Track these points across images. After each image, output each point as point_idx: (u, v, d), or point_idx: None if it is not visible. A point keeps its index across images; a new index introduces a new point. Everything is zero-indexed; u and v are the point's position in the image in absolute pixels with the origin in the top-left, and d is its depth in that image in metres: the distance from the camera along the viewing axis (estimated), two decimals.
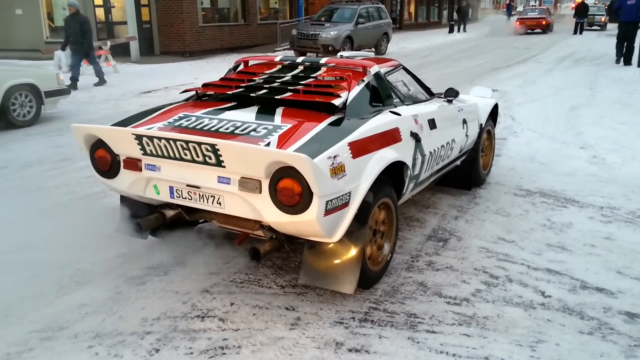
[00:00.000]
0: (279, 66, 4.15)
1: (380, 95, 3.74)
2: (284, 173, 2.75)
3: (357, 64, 3.91)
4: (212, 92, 3.91)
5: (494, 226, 4.31)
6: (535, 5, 40.70)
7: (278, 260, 3.72)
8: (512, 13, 40.95)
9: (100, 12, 17.39)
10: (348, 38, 17.55)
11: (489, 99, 5.37)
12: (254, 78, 3.89)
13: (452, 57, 17.21)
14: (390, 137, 3.41)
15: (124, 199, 3.69)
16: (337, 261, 3.10)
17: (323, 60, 4.04)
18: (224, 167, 2.89)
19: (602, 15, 34.98)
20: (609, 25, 34.78)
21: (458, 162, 4.81)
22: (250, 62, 4.37)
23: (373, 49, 18.82)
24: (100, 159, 3.35)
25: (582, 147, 6.40)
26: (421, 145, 3.75)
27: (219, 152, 2.84)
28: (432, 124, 3.99)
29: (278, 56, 4.31)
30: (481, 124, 5.05)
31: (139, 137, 3.08)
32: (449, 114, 4.40)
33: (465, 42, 24.35)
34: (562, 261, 3.72)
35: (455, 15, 32.05)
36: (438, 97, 4.54)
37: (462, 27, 30.09)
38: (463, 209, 4.67)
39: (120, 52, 15.69)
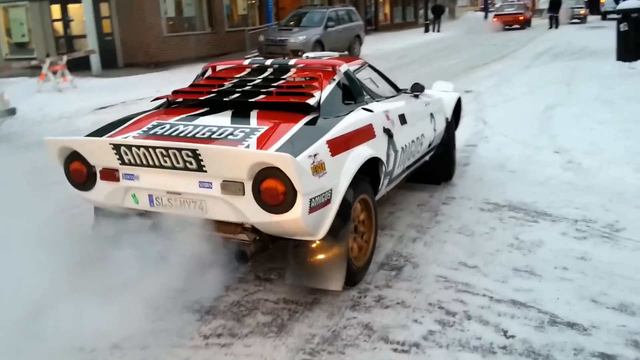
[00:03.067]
0: (248, 70, 4.13)
1: (352, 92, 3.76)
2: (267, 174, 2.77)
3: (326, 64, 3.94)
4: (182, 99, 3.84)
5: (455, 248, 3.83)
6: (512, 1, 40.47)
7: (207, 302, 3.22)
8: (490, 10, 40.54)
9: (58, 26, 16.78)
10: (318, 42, 17.09)
11: (453, 93, 5.42)
12: (224, 83, 3.85)
13: (428, 57, 16.80)
14: (365, 134, 3.44)
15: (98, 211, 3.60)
16: (323, 259, 3.08)
17: (292, 62, 4.08)
18: (205, 171, 2.88)
19: (582, 8, 34.84)
20: (590, 18, 34.73)
21: (427, 158, 4.80)
22: (218, 67, 4.32)
23: (346, 52, 18.37)
24: (75, 172, 3.29)
25: (556, 151, 5.93)
26: (393, 141, 3.78)
27: (200, 157, 2.84)
28: (402, 119, 4.02)
29: (246, 60, 4.30)
30: (447, 118, 5.09)
31: (116, 147, 3.04)
32: (417, 108, 4.42)
33: (441, 41, 24.00)
34: (529, 289, 3.25)
35: (430, 15, 31.66)
36: (404, 92, 4.54)
37: (436, 26, 29.68)
38: (423, 229, 4.19)
39: (82, 66, 15.15)
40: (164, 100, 3.88)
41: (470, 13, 47.37)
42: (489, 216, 4.37)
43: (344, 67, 3.84)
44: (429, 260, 3.67)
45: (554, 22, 28.97)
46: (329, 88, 3.59)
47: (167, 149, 2.90)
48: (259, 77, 3.93)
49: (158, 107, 3.86)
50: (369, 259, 3.51)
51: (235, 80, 3.89)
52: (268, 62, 4.18)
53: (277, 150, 2.86)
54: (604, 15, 34.38)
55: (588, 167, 5.34)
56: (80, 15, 16.21)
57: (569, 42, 19.74)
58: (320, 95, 3.46)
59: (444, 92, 5.33)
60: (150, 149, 2.94)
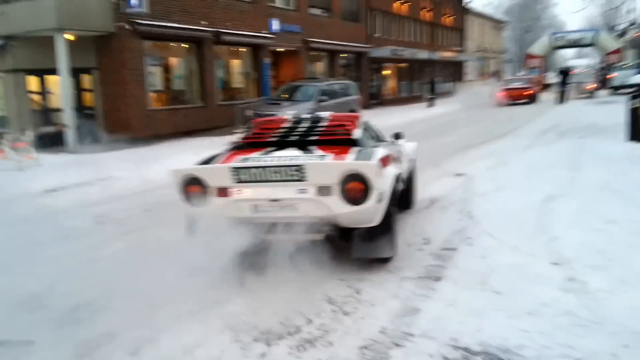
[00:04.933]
0: (291, 122, 5.50)
1: (369, 134, 5.68)
2: (351, 178, 4.26)
3: (348, 116, 5.86)
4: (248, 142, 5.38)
5: None
6: (521, 75, 39.96)
7: None
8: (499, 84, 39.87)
9: (37, 99, 16.01)
10: None
11: (413, 142, 7.38)
12: (276, 130, 5.34)
13: (425, 134, 15.72)
14: (390, 159, 5.07)
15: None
16: (378, 237, 4.52)
17: (323, 115, 5.64)
18: (306, 180, 4.28)
19: (590, 82, 33.95)
20: (599, 92, 33.85)
21: (402, 186, 5.85)
22: (262, 122, 5.77)
23: None
24: (192, 192, 4.50)
25: (555, 262, 4.63)
26: (400, 165, 5.60)
27: (304, 170, 4.26)
28: (399, 153, 5.85)
29: (287, 116, 5.81)
30: (413, 159, 7.02)
31: (235, 170, 4.40)
32: (401, 149, 6.21)
33: (443, 116, 23.17)
34: None
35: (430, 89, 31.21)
36: (390, 139, 6.25)
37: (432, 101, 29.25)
38: None
39: (58, 141, 14.29)
40: (235, 143, 5.51)
41: (479, 87, 46.92)
42: None
43: (362, 119, 5.69)
44: None
45: (562, 97, 28.18)
46: (359, 129, 5.34)
47: (278, 166, 4.28)
48: (302, 125, 5.43)
49: (231, 149, 5.32)
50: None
51: (284, 130, 5.38)
52: (304, 115, 5.77)
53: None
54: (614, 90, 33.54)
55: (595, 289, 4.03)
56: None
57: (576, 118, 18.70)
58: (356, 133, 5.20)
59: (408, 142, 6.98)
60: (262, 169, 4.29)
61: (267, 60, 23.18)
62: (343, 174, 4.25)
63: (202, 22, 19.25)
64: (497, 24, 61.49)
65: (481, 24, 55.92)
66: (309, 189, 4.31)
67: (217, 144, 16.38)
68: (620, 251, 4.71)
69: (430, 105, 29.28)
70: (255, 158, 4.71)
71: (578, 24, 76.48)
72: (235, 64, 22.78)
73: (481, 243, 5.28)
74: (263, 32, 22.45)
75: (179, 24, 18.06)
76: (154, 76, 18.41)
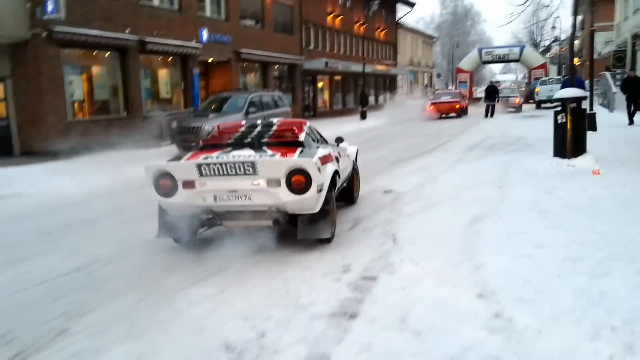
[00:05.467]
0: (245, 127, 6.63)
1: (313, 137, 6.69)
2: (295, 172, 5.18)
3: (295, 121, 6.81)
4: (210, 144, 6.37)
5: None
6: (451, 89, 40.76)
7: None
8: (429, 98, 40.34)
9: None
10: None
11: (354, 146, 8.44)
12: (234, 134, 6.44)
13: None
14: (330, 158, 6.26)
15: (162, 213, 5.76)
16: (319, 222, 5.56)
17: (274, 121, 6.83)
18: (258, 174, 5.17)
19: (516, 96, 34.94)
20: (525, 107, 34.83)
21: (345, 184, 7.27)
22: (224, 126, 6.88)
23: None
24: (163, 185, 5.36)
25: (480, 294, 4.25)
26: (339, 164, 6.62)
27: (256, 166, 5.13)
28: (339, 154, 6.98)
29: (243, 121, 7.43)
30: (354, 160, 8.03)
31: (198, 166, 5.23)
32: (342, 151, 7.35)
33: (375, 129, 23.08)
34: None
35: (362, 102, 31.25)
36: (331, 143, 7.39)
37: (365, 114, 29.28)
38: None
39: None
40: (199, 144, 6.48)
41: (411, 101, 47.45)
42: None
43: (307, 123, 6.81)
44: None
45: (490, 111, 28.72)
46: (304, 133, 6.38)
47: (235, 163, 5.16)
48: (255, 130, 6.46)
49: (195, 149, 6.39)
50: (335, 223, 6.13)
51: (239, 133, 6.41)
52: (258, 121, 6.83)
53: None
54: (538, 105, 34.61)
55: (523, 327, 3.66)
56: None
57: (503, 132, 18.92)
58: (302, 136, 6.27)
59: (350, 146, 8.17)
60: (223, 164, 5.18)
61: (197, 70, 22.48)
62: (288, 169, 5.18)
63: (126, 30, 18.38)
64: (428, 39, 62.82)
65: (413, 39, 56.90)
66: (260, 182, 5.23)
67: (141, 157, 15.56)
68: (549, 281, 4.39)
69: (363, 118, 29.24)
70: (216, 156, 5.56)
71: (505, 40, 79.35)
72: (163, 73, 21.96)
73: (403, 271, 4.87)
74: (192, 41, 21.74)
75: (100, 31, 17.14)
76: (75, 85, 17.42)
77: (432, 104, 30.33)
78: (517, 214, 6.60)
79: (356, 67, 35.82)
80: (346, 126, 24.17)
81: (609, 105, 24.93)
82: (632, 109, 17.71)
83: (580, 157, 9.82)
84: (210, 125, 15.25)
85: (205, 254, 5.73)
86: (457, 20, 76.01)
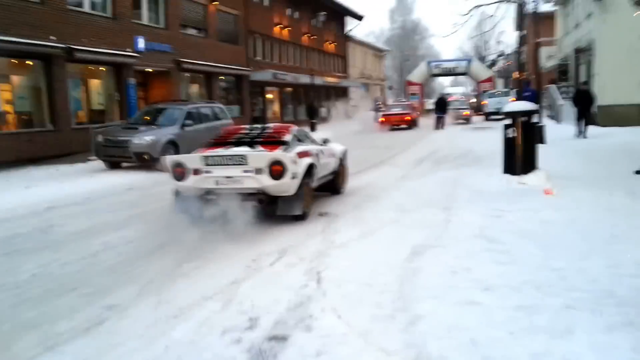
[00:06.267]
0: (247, 129, 8.35)
1: (299, 138, 8.23)
2: (275, 163, 6.82)
3: (285, 126, 8.53)
4: (215, 142, 8.12)
5: None
6: (401, 101, 40.43)
7: None
8: (380, 110, 39.63)
9: None
10: (171, 143, 14.44)
11: (342, 146, 10.17)
12: (237, 134, 8.11)
13: None
14: (308, 153, 7.72)
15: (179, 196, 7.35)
16: (293, 202, 7.10)
17: (270, 125, 8.63)
18: (247, 164, 6.87)
19: (466, 109, 34.96)
20: (474, 118, 34.76)
21: (331, 177, 9.10)
22: (225, 130, 8.81)
23: None
24: (177, 172, 7.10)
25: None
26: (319, 159, 8.12)
27: (246, 158, 6.88)
28: (321, 152, 8.45)
29: (245, 125, 9.09)
30: (340, 158, 9.64)
31: (204, 157, 7.05)
32: (326, 149, 8.87)
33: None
34: None
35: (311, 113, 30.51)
36: (320, 142, 8.97)
37: (314, 127, 28.48)
38: None
39: None
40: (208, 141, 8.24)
41: (364, 113, 46.95)
42: None
43: (294, 127, 8.55)
44: None
45: (440, 123, 28.35)
46: (291, 135, 8.01)
47: (231, 155, 6.99)
48: (254, 131, 8.17)
49: (202, 146, 8.14)
50: (309, 209, 7.66)
51: (241, 134, 8.12)
52: (257, 126, 8.65)
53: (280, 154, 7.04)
54: (487, 116, 34.59)
55: None
56: None
57: (453, 144, 18.36)
58: (287, 137, 7.84)
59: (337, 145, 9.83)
60: (222, 156, 7.00)
61: (133, 80, 21.17)
62: (270, 161, 6.86)
63: (51, 37, 17.03)
64: (378, 52, 62.64)
65: (363, 52, 56.54)
66: (249, 170, 6.87)
67: (64, 173, 14.23)
68: (501, 342, 3.48)
69: (312, 129, 28.40)
70: (218, 151, 7.34)
71: (453, 54, 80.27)
72: (96, 84, 20.60)
73: (323, 327, 3.91)
74: (127, 50, 20.48)
75: (20, 38, 15.76)
76: None
77: (383, 115, 29.90)
78: (463, 242, 5.75)
79: (306, 79, 35.02)
80: None
81: (556, 117, 24.88)
82: (583, 121, 17.53)
83: (531, 174, 9.13)
84: (139, 139, 14.09)
85: None
86: (406, 34, 76.34)
